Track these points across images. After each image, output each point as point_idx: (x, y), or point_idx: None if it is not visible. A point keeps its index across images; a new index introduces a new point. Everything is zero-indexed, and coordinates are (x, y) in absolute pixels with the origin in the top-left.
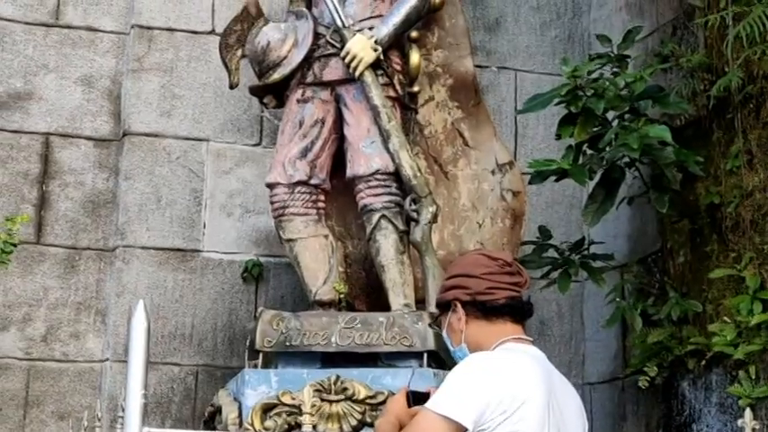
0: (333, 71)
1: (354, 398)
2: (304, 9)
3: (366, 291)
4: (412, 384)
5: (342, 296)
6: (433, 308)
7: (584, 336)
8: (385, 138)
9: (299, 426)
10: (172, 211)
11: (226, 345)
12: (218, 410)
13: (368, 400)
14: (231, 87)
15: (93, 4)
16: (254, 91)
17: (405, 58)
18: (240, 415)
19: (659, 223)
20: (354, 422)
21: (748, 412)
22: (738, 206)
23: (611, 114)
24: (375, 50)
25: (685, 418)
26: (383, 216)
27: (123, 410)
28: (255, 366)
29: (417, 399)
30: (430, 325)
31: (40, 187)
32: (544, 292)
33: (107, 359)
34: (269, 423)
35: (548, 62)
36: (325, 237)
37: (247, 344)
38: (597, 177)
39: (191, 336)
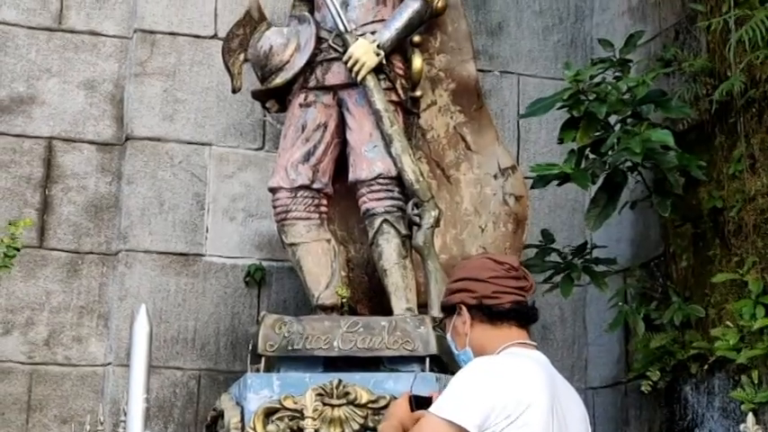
0: (335, 75)
1: (356, 402)
2: (306, 13)
3: (368, 295)
4: (414, 389)
5: (344, 300)
6: (435, 312)
7: (587, 340)
8: (387, 142)
9: (301, 430)
10: (174, 216)
11: (228, 349)
12: (221, 415)
13: (370, 405)
14: (234, 92)
15: (95, 8)
16: (257, 95)
17: (407, 62)
18: (242, 419)
19: (662, 227)
20: (357, 426)
21: (751, 417)
22: (741, 210)
23: (613, 119)
24: (377, 55)
25: (688, 422)
26: (385, 220)
27: (125, 415)
28: (258, 370)
29: (420, 403)
30: (434, 328)
31: (43, 191)
32: (547, 297)
33: (109, 363)
34: (271, 427)
35: (550, 66)
36: (328, 241)
37: (250, 348)
38: (600, 181)
39: (193, 340)
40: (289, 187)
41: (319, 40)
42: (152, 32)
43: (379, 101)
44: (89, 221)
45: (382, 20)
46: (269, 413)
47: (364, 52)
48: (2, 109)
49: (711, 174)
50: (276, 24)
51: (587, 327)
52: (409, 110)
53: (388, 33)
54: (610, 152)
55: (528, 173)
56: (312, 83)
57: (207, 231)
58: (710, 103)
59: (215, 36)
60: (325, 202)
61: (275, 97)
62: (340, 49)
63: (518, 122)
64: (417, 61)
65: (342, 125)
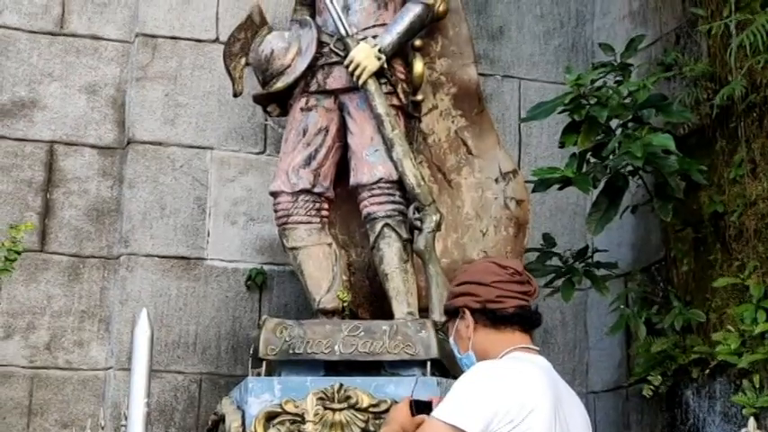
0: (336, 80)
1: (358, 406)
2: (308, 18)
3: (369, 299)
4: (415, 393)
5: (345, 304)
6: (436, 316)
7: (588, 344)
8: (388, 146)
9: None
10: (176, 220)
11: (229, 353)
12: (222, 419)
13: (371, 409)
14: (235, 96)
15: (97, 12)
16: (258, 99)
17: (408, 66)
18: (243, 423)
19: (663, 232)
20: (357, 430)
21: (752, 421)
22: (742, 215)
23: (614, 123)
24: (379, 59)
25: (689, 427)
26: (387, 224)
27: (126, 419)
28: (259, 374)
29: (420, 408)
30: (437, 331)
31: (45, 195)
32: (548, 301)
33: (111, 367)
34: (272, 431)
35: (551, 71)
36: (329, 245)
37: (251, 352)
38: (601, 186)
39: (194, 344)
40: (290, 191)
41: (321, 44)
42: (153, 37)
43: (381, 105)
44: (90, 225)
45: (383, 24)
46: (270, 417)
47: (365, 56)
48: (3, 113)
49: (712, 178)
50: (277, 28)
51: (588, 331)
52: (410, 114)
53: (389, 37)
54: (611, 156)
55: (529, 177)
56: (313, 87)
57: (208, 235)
58: (711, 108)
59: (216, 40)
60: (326, 206)
61: (276, 101)
62: (341, 54)
63: (519, 126)
64: (418, 65)
65: (343, 129)
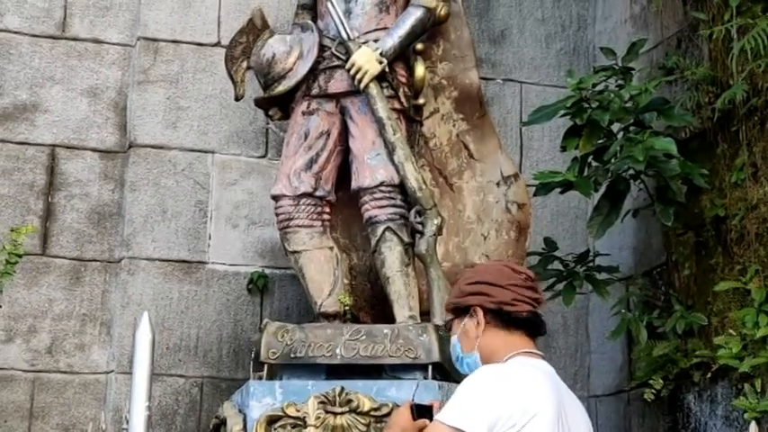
0: (338, 83)
1: (359, 410)
2: (309, 21)
3: (371, 303)
4: (417, 396)
5: (347, 308)
6: (438, 320)
7: (590, 348)
8: (390, 150)
9: None
10: (177, 223)
11: (231, 356)
12: (223, 422)
13: (372, 413)
14: (236, 99)
15: (99, 16)
16: (260, 103)
17: (410, 70)
18: (245, 427)
19: (664, 236)
20: None
21: (754, 425)
22: (743, 219)
23: (615, 126)
24: (380, 63)
25: (691, 431)
26: (388, 228)
27: (128, 422)
28: (260, 378)
29: (421, 412)
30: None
31: (46, 199)
32: (549, 305)
33: (112, 371)
34: None
35: (553, 74)
36: (330, 249)
37: (252, 355)
38: (602, 189)
39: (196, 347)
40: (291, 195)
41: (322, 47)
42: (155, 40)
43: (382, 109)
44: (92, 229)
45: (385, 28)
46: (271, 421)
47: (367, 60)
48: (5, 116)
49: (714, 182)
50: (279, 32)
51: (590, 335)
52: (412, 118)
53: (390, 41)
54: (612, 160)
55: (531, 180)
56: (315, 91)
57: (210, 239)
58: (713, 112)
59: (218, 44)
60: (327, 209)
61: (278, 105)
62: (343, 57)
63: (521, 130)
64: (420, 69)
65: (345, 133)
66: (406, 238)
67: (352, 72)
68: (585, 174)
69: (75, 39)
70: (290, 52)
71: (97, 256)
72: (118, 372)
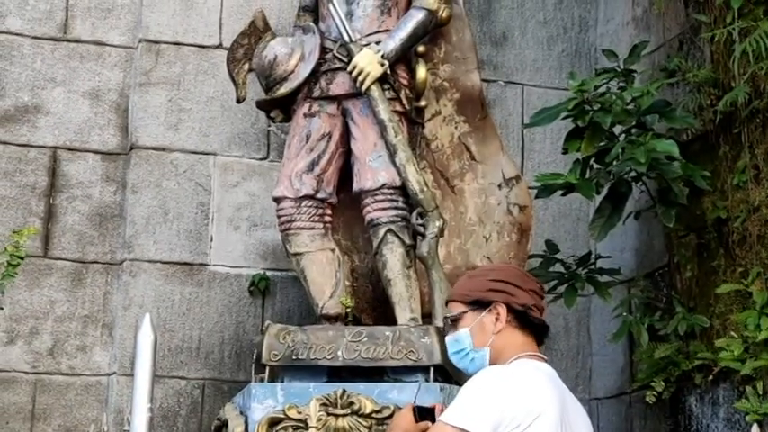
0: (340, 85)
1: (361, 412)
2: (311, 23)
3: (372, 305)
4: (418, 399)
5: (348, 310)
6: (439, 322)
7: (591, 350)
8: (392, 152)
9: None
10: (179, 225)
11: (232, 358)
12: (225, 424)
13: (374, 415)
14: (238, 101)
15: (100, 18)
16: (261, 105)
17: (411, 72)
18: (246, 429)
19: (666, 238)
20: None
21: (755, 428)
22: (745, 221)
23: (617, 129)
24: (382, 65)
25: None
26: (390, 230)
27: (129, 424)
28: (262, 380)
29: (423, 414)
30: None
31: (48, 200)
32: (551, 307)
33: (114, 372)
34: None
35: (554, 76)
36: (332, 251)
37: (254, 357)
38: (604, 192)
39: (197, 349)
40: (293, 197)
41: (324, 50)
42: (157, 42)
43: (384, 111)
44: (93, 230)
45: (387, 30)
46: (273, 423)
47: (369, 62)
48: (7, 118)
49: (716, 184)
50: (281, 34)
51: (591, 337)
52: (414, 120)
53: (392, 43)
54: (614, 162)
55: (532, 183)
56: (316, 93)
57: (211, 241)
58: (715, 114)
59: (220, 46)
60: (329, 211)
61: (280, 107)
62: (345, 59)
63: (522, 132)
64: (422, 71)
65: (346, 135)
66: (407, 241)
67: (353, 74)
68: (587, 176)
69: (76, 41)
70: (291, 54)
71: (99, 258)
72: (119, 374)
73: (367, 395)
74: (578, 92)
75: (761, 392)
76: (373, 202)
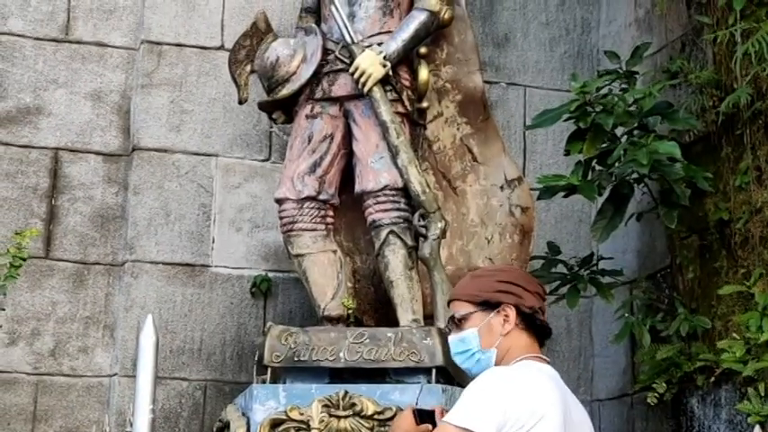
0: (342, 87)
1: (363, 413)
2: (313, 25)
3: (374, 306)
4: (420, 400)
5: (350, 311)
6: (441, 323)
7: (593, 352)
8: (394, 153)
9: None
10: (181, 226)
11: (234, 360)
12: (227, 426)
13: (376, 416)
14: (240, 103)
15: (102, 19)
16: (263, 106)
17: (413, 73)
18: (248, 430)
19: (668, 239)
20: None
21: (758, 429)
22: (748, 222)
23: (619, 130)
24: (384, 66)
25: None
26: (392, 231)
27: (131, 425)
28: (264, 381)
29: (424, 417)
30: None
31: (49, 202)
32: (553, 308)
33: (115, 374)
34: None
35: (557, 78)
36: (334, 252)
37: (256, 359)
38: (606, 193)
39: (199, 350)
40: (295, 198)
41: (326, 51)
42: (159, 43)
43: (386, 112)
44: (95, 232)
45: (389, 31)
46: (275, 424)
47: (371, 63)
48: (9, 119)
49: (718, 185)
50: (283, 36)
51: (593, 338)
52: (416, 121)
53: (394, 45)
54: (616, 164)
55: (534, 184)
56: (319, 94)
57: (213, 242)
58: (717, 115)
59: (222, 47)
60: (331, 213)
61: (282, 108)
62: (347, 61)
63: (524, 134)
64: (424, 72)
65: (348, 136)
66: (409, 242)
67: (355, 75)
68: (589, 177)
69: (78, 42)
70: (293, 56)
71: (100, 260)
72: (121, 375)
73: (369, 397)
74: (580, 93)
75: (763, 394)
76: (375, 204)
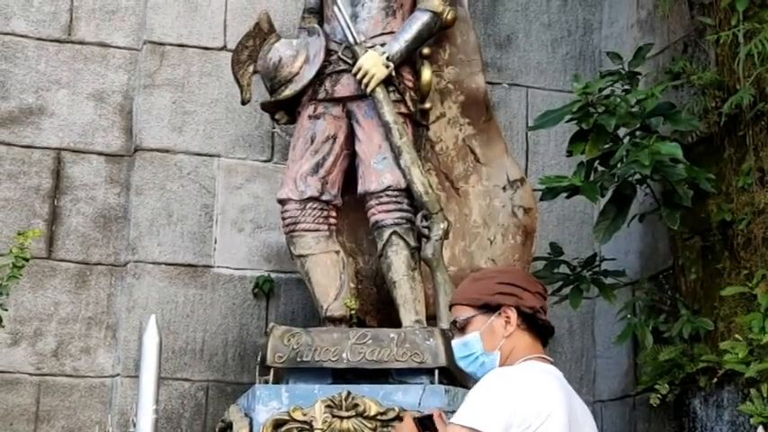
0: (344, 87)
1: (365, 414)
2: (316, 25)
3: (377, 307)
4: (423, 401)
5: (353, 312)
6: (444, 324)
7: (596, 353)
8: (396, 154)
9: None
10: (183, 227)
11: (237, 360)
12: (229, 426)
13: (379, 417)
14: (243, 103)
15: (105, 20)
16: (266, 107)
17: (416, 74)
18: (251, 431)
19: (671, 240)
20: None
21: (761, 430)
22: (750, 223)
23: (622, 131)
24: (387, 67)
25: None
26: (394, 232)
27: (134, 426)
28: (266, 382)
29: (425, 423)
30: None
31: (52, 202)
32: (555, 309)
33: (118, 374)
34: None
35: (559, 79)
36: (337, 253)
37: (258, 359)
38: (608, 194)
39: (201, 351)
40: (297, 199)
41: (329, 52)
42: (161, 44)
43: (389, 113)
44: (98, 232)
45: (392, 32)
46: (278, 425)
47: (373, 64)
48: (11, 120)
49: (720, 187)
50: (285, 36)
51: (596, 339)
52: (418, 122)
53: (397, 45)
54: (619, 165)
55: (537, 185)
56: (321, 95)
57: (215, 243)
58: (719, 116)
59: (224, 48)
60: (333, 213)
61: (284, 109)
62: (349, 61)
63: (527, 135)
64: (426, 73)
65: (351, 137)
66: (412, 243)
67: (358, 76)
68: (592, 178)
69: (81, 42)
70: (296, 56)
71: (103, 260)
72: (123, 375)
73: (372, 397)
74: (582, 94)
75: (765, 395)
76: (378, 204)
